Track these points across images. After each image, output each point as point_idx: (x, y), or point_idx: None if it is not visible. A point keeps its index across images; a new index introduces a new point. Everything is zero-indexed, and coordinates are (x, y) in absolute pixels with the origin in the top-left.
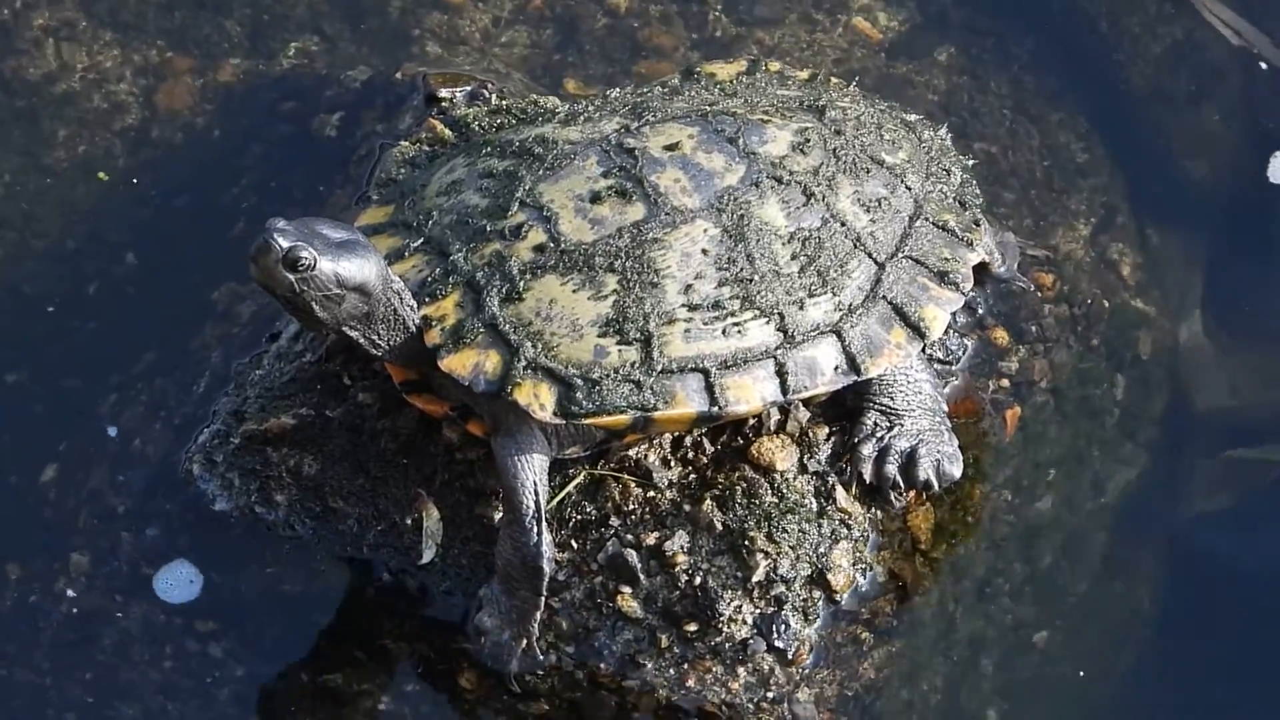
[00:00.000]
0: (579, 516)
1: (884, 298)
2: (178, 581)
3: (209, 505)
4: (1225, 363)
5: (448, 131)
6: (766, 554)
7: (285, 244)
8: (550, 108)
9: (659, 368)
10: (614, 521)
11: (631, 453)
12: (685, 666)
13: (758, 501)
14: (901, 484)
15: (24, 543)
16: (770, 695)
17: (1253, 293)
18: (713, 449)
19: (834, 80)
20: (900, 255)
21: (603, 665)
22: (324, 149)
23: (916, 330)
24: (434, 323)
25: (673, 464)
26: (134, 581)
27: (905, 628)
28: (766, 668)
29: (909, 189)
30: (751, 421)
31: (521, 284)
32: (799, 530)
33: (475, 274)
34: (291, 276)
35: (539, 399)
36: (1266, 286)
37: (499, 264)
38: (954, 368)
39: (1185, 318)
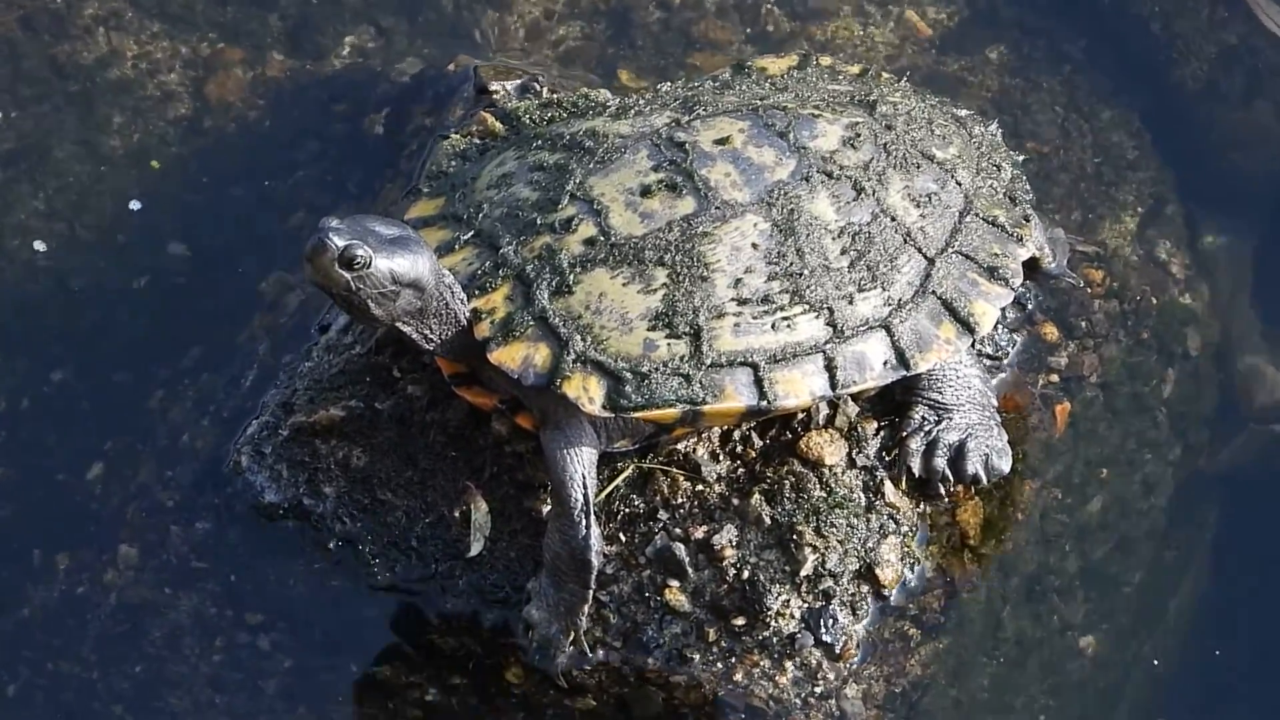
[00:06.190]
0: (627, 510)
1: (933, 293)
2: None
3: (258, 497)
4: (1276, 357)
5: (498, 125)
6: (814, 548)
7: (340, 243)
8: (601, 101)
9: (708, 361)
10: (662, 515)
11: (680, 446)
12: (733, 661)
13: (806, 496)
14: (950, 478)
15: (72, 535)
16: (818, 690)
17: None
18: (761, 443)
19: (885, 75)
20: (950, 250)
21: (650, 660)
22: (374, 142)
23: (966, 325)
24: (484, 316)
25: (721, 458)
26: (184, 574)
27: (953, 624)
28: (814, 662)
29: (959, 184)
30: (800, 416)
31: (571, 277)
32: (847, 525)
33: (525, 267)
34: (347, 275)
35: (588, 392)
36: None
37: (549, 257)
38: (1003, 363)
39: (1236, 313)
